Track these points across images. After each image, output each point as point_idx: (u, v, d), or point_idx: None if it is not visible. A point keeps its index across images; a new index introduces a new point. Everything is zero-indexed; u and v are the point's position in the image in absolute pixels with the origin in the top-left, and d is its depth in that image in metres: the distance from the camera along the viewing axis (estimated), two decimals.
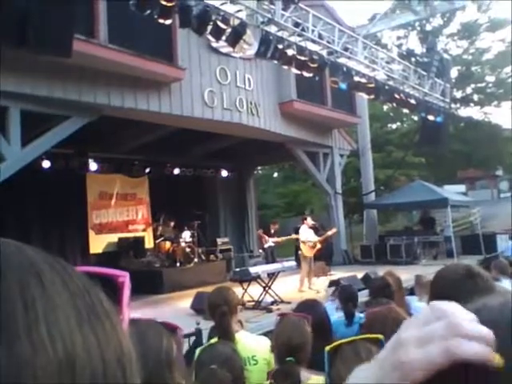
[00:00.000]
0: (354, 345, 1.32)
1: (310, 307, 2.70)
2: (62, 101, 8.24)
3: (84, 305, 0.31)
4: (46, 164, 10.86)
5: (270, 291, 8.58)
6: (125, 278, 0.47)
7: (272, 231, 12.48)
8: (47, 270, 0.31)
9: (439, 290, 1.56)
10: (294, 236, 11.63)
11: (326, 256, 12.45)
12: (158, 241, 12.40)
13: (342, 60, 11.05)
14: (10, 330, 0.27)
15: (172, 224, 12.39)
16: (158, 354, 1.05)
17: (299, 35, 9.88)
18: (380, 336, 1.39)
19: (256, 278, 8.46)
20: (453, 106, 21.40)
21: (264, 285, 8.58)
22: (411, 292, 5.99)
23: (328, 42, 10.62)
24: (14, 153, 7.76)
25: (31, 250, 0.32)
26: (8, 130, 7.74)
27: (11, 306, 0.28)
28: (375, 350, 1.30)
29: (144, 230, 13.46)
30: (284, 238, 12.03)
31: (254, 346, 2.49)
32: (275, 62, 10.01)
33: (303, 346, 2.01)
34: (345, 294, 3.95)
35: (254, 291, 8.45)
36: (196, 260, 12.12)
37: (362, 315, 3.37)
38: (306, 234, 10.21)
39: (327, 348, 1.32)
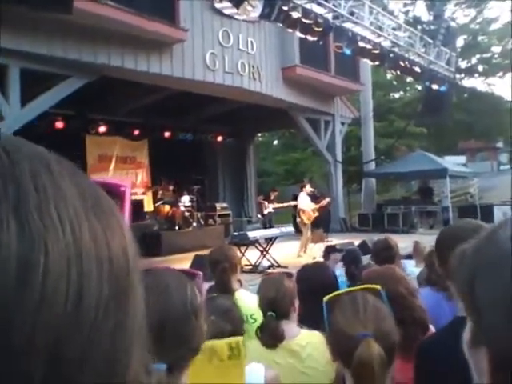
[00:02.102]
0: (352, 295, 1.35)
1: (319, 269, 2.74)
2: (62, 60, 8.12)
3: (90, 198, 0.33)
4: (46, 124, 10.79)
5: (267, 256, 8.70)
6: (126, 187, 0.49)
7: (272, 198, 12.55)
8: (56, 164, 0.32)
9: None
10: (293, 203, 11.70)
11: (323, 223, 12.55)
12: (157, 204, 12.46)
13: (347, 25, 10.85)
14: (22, 209, 0.28)
15: (171, 188, 12.42)
16: (184, 302, 1.06)
17: None
18: (377, 286, 1.42)
19: (254, 243, 8.56)
20: (457, 75, 21.11)
21: (262, 249, 8.69)
22: (407, 258, 6.09)
23: (334, 6, 10.40)
24: (14, 112, 7.71)
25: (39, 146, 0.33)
26: (7, 89, 7.67)
27: (23, 188, 0.29)
28: (372, 299, 1.34)
29: (143, 194, 13.50)
30: (284, 204, 12.09)
31: (253, 304, 2.54)
32: (279, 24, 9.83)
33: (282, 301, 2.03)
34: (349, 256, 4.02)
35: (252, 255, 8.56)
36: (195, 224, 12.21)
37: None
38: (305, 201, 10.26)
39: (325, 298, 1.36)
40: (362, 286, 1.49)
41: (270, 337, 1.96)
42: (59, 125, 11.16)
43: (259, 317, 2.56)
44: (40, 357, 0.27)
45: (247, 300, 2.55)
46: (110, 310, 0.31)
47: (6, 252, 0.27)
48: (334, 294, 1.38)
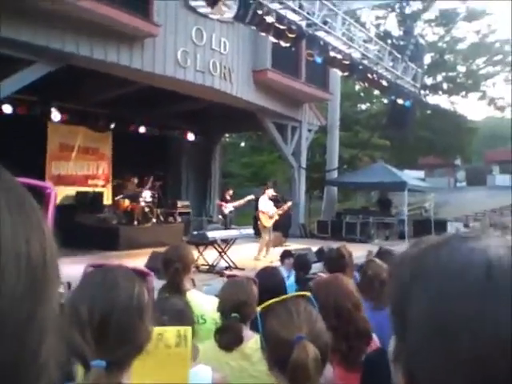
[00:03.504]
0: (285, 302, 1.39)
1: (270, 274, 2.79)
2: (28, 45, 7.90)
3: (14, 196, 0.36)
4: (8, 109, 10.48)
5: (225, 256, 8.72)
6: (51, 189, 0.53)
7: (228, 197, 12.54)
8: None
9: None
10: (249, 198, 11.75)
11: (283, 227, 12.67)
12: (117, 198, 12.25)
13: (320, 33, 11.00)
14: None
15: (133, 182, 12.23)
16: (129, 301, 1.06)
17: (279, 2, 9.75)
18: (307, 293, 1.47)
19: (213, 243, 8.56)
20: (422, 92, 21.75)
21: (220, 250, 8.70)
22: (360, 268, 6.23)
23: (308, 14, 10.53)
24: None
25: None
26: None
27: None
28: (303, 304, 1.38)
29: (103, 186, 13.27)
30: (241, 201, 12.10)
31: (203, 305, 2.57)
32: (253, 27, 9.87)
33: (248, 304, 2.08)
34: (299, 261, 4.09)
35: (210, 256, 8.56)
36: (154, 220, 12.08)
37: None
38: (265, 205, 10.32)
39: (259, 308, 1.40)
40: (293, 294, 1.55)
41: (231, 339, 1.99)
42: (22, 110, 10.83)
43: (209, 318, 2.58)
44: None
45: (198, 301, 2.56)
46: (25, 301, 0.34)
47: None
48: (267, 303, 1.41)
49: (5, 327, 0.32)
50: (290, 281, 3.87)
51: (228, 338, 2.00)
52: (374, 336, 2.13)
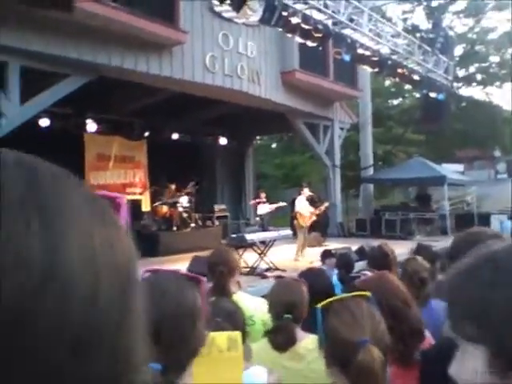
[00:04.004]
0: (346, 302, 1.38)
1: (316, 274, 2.75)
2: (61, 58, 8.12)
3: (97, 208, 0.35)
4: (45, 122, 10.77)
5: (264, 258, 8.69)
6: (121, 199, 0.52)
7: (262, 199, 12.54)
8: (65, 175, 0.36)
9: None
10: (281, 204, 11.80)
11: (321, 227, 12.57)
12: (155, 205, 12.43)
13: (346, 31, 10.89)
14: (44, 212, 0.31)
15: (170, 189, 12.39)
16: (182, 305, 1.07)
17: (305, 3, 9.70)
18: (368, 293, 1.43)
19: (252, 245, 8.55)
20: (455, 84, 21.21)
21: (259, 252, 8.68)
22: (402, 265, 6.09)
23: (333, 12, 10.43)
24: (13, 109, 7.69)
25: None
26: (7, 86, 7.66)
27: (44, 195, 0.32)
28: (365, 306, 1.36)
29: (141, 194, 13.47)
30: (274, 206, 12.10)
31: (251, 306, 2.54)
32: (279, 29, 9.85)
33: (299, 305, 2.06)
34: (342, 260, 4.02)
35: (249, 258, 8.55)
36: (193, 225, 12.19)
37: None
38: (302, 205, 10.27)
39: (319, 305, 1.38)
40: (354, 293, 1.52)
41: (285, 340, 1.98)
42: (58, 123, 11.14)
43: (258, 319, 2.56)
44: (64, 352, 0.29)
45: (247, 302, 2.54)
46: (117, 310, 0.33)
47: (29, 252, 0.29)
48: (327, 301, 1.39)
49: (102, 339, 0.32)
50: (333, 280, 3.82)
51: (282, 339, 1.98)
52: (427, 332, 2.07)
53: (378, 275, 2.15)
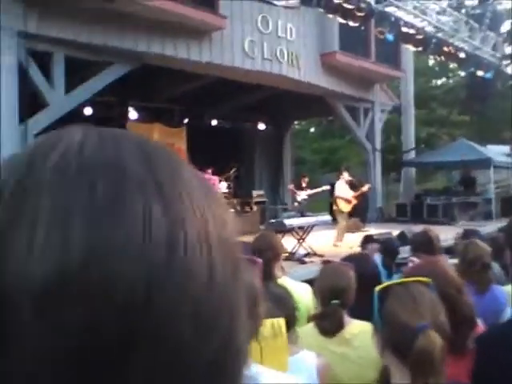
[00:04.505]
0: (405, 285, 1.34)
1: (361, 260, 2.72)
2: (104, 47, 8.27)
3: (205, 188, 0.36)
4: (88, 111, 11.04)
5: (303, 244, 8.67)
6: (215, 180, 0.54)
7: (303, 185, 12.43)
8: (175, 155, 0.37)
9: None
10: (324, 188, 11.58)
11: (360, 212, 12.39)
12: None
13: (390, 9, 10.58)
14: (163, 192, 0.32)
15: (210, 172, 12.49)
16: (249, 286, 1.07)
17: None
18: (428, 279, 1.39)
19: (290, 230, 8.54)
20: (504, 62, 20.28)
21: (298, 237, 8.67)
22: (447, 251, 5.96)
23: None
24: (58, 98, 7.91)
25: None
26: (52, 76, 7.87)
27: (160, 176, 0.32)
28: (426, 291, 1.32)
29: None
30: (317, 190, 11.97)
31: (296, 291, 2.55)
32: (320, 10, 9.67)
33: (347, 290, 2.06)
34: (386, 246, 3.96)
35: (288, 243, 8.54)
36: (232, 210, 12.25)
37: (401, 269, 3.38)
38: (342, 189, 10.12)
39: (377, 288, 1.35)
40: (413, 278, 1.47)
41: (332, 325, 1.98)
42: (101, 112, 11.40)
43: (303, 305, 2.57)
44: (185, 320, 0.30)
45: (291, 287, 2.55)
46: (231, 289, 0.34)
47: (156, 232, 0.30)
48: (386, 284, 1.36)
49: (219, 317, 0.32)
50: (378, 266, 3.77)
51: (329, 324, 1.98)
52: (479, 320, 2.02)
53: (431, 261, 2.10)
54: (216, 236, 0.33)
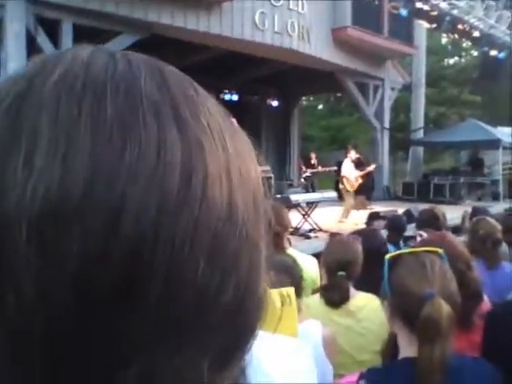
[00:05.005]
0: (416, 254, 1.35)
1: (370, 235, 2.73)
2: (113, 16, 8.16)
3: (227, 118, 0.34)
4: None
5: (308, 219, 8.69)
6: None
7: (312, 162, 12.39)
8: (197, 84, 0.35)
9: None
10: (332, 168, 11.54)
11: (366, 190, 12.35)
12: None
13: None
14: (179, 116, 0.29)
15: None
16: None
17: None
18: (439, 249, 1.39)
19: (296, 206, 8.55)
20: None
21: (303, 213, 8.68)
22: (453, 231, 5.96)
23: None
24: None
25: None
26: (61, 44, 7.80)
27: (177, 100, 0.30)
28: (438, 260, 1.32)
29: None
30: (322, 169, 11.94)
31: (302, 263, 2.57)
32: None
33: (354, 263, 2.08)
34: (393, 223, 3.97)
35: (293, 219, 8.55)
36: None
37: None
38: (348, 169, 10.09)
39: (387, 256, 1.35)
40: (424, 248, 1.47)
41: (338, 296, 2.00)
42: None
43: (307, 276, 2.59)
44: (200, 254, 0.27)
45: (298, 259, 2.57)
46: (253, 229, 0.31)
47: (171, 155, 0.27)
48: (397, 252, 1.37)
49: (242, 245, 0.30)
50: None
51: (335, 296, 2.00)
52: (485, 297, 2.03)
53: (440, 235, 2.10)
54: (237, 169, 0.30)
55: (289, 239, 2.78)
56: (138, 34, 8.74)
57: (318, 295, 2.09)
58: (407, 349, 1.26)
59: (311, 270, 2.60)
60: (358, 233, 2.71)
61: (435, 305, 1.17)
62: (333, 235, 2.35)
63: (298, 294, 1.65)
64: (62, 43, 7.81)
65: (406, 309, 1.24)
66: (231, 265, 0.29)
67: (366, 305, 2.00)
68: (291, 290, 1.48)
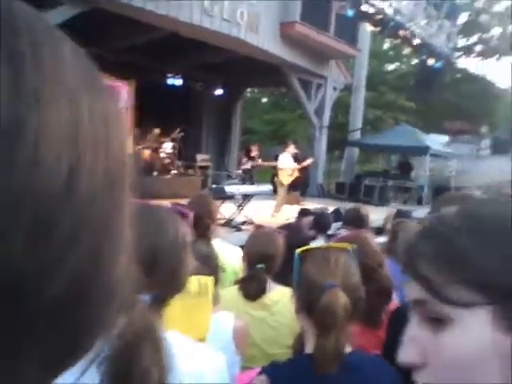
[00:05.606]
0: (325, 250, 1.40)
1: (294, 229, 2.78)
2: None
3: (92, 76, 0.29)
4: None
5: (242, 212, 8.73)
6: (121, 87, 0.45)
7: (252, 154, 12.44)
8: (56, 29, 0.29)
9: None
10: (273, 163, 11.64)
11: (301, 186, 12.60)
12: (137, 148, 12.24)
13: None
14: (17, 60, 0.23)
15: (156, 132, 12.18)
16: (177, 237, 1.05)
17: None
18: (348, 246, 1.45)
19: (230, 197, 8.56)
20: (454, 53, 21.00)
21: (237, 205, 8.71)
22: (377, 232, 6.20)
23: None
24: None
25: None
26: None
27: (20, 41, 0.24)
28: (343, 255, 1.37)
29: None
30: (264, 163, 12.03)
31: (225, 253, 2.57)
32: None
33: (274, 256, 2.09)
34: (319, 220, 4.07)
35: (227, 210, 8.57)
36: (174, 172, 12.10)
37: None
38: (286, 162, 10.21)
39: (298, 251, 1.39)
40: (334, 244, 1.53)
41: (255, 289, 2.00)
42: None
43: (229, 267, 2.59)
44: (20, 232, 0.23)
45: (220, 249, 2.56)
46: (102, 200, 0.26)
47: None
48: (306, 247, 1.41)
49: (81, 227, 0.25)
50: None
51: (253, 288, 2.01)
52: (394, 295, 2.11)
53: (356, 233, 2.18)
54: (89, 133, 0.25)
55: (214, 229, 2.76)
56: (78, 7, 8.33)
57: (236, 287, 2.09)
58: (311, 343, 1.28)
59: (234, 261, 2.60)
60: (283, 227, 2.74)
61: (333, 295, 1.22)
62: (256, 228, 2.37)
63: (215, 284, 1.64)
64: None
65: (308, 300, 1.28)
66: (62, 249, 0.24)
67: (281, 298, 2.03)
68: (210, 280, 1.47)
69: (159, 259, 1.01)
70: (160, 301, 1.03)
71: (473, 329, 0.51)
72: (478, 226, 0.52)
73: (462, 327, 0.51)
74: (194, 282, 1.43)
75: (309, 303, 1.27)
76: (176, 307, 1.33)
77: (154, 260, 1.00)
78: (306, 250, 1.40)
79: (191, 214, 1.20)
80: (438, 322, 0.53)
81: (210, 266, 1.65)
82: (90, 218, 0.25)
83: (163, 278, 1.01)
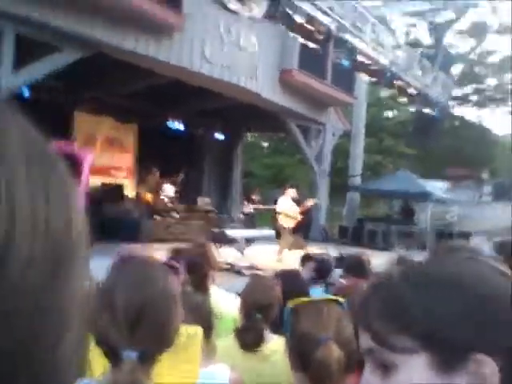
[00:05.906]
0: (316, 302, 1.40)
1: (291, 276, 2.73)
2: (59, 30, 7.94)
3: (39, 156, 0.27)
4: (35, 95, 10.57)
5: (244, 256, 8.63)
6: (85, 154, 0.45)
7: (254, 198, 12.44)
8: (5, 107, 0.27)
9: None
10: (273, 207, 11.61)
11: (303, 230, 12.50)
12: (139, 191, 12.28)
13: (348, 37, 10.89)
14: None
15: (157, 175, 12.24)
16: (165, 293, 1.06)
17: (311, 3, 9.67)
18: (340, 298, 1.45)
19: (232, 242, 8.49)
20: (450, 102, 21.42)
21: (239, 249, 8.62)
22: None
23: (338, 16, 10.42)
24: (5, 76, 7.52)
25: None
26: (1, 53, 7.48)
27: None
28: (335, 308, 1.38)
29: (125, 178, 13.32)
30: (263, 207, 12.01)
31: (222, 302, 2.49)
32: (282, 26, 9.80)
33: (271, 306, 2.05)
34: (320, 266, 4.00)
35: (229, 254, 8.47)
36: (176, 215, 12.06)
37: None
38: (285, 205, 10.09)
39: (290, 303, 1.39)
40: (325, 297, 1.56)
41: (253, 339, 1.95)
42: (47, 97, 10.91)
43: (226, 315, 2.50)
44: None
45: (218, 297, 2.48)
46: (41, 272, 0.26)
47: None
48: (297, 300, 1.41)
49: (16, 300, 0.25)
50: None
51: (250, 338, 1.95)
52: None
53: (354, 283, 2.13)
54: (28, 216, 0.25)
55: (213, 277, 2.69)
56: (83, 52, 8.55)
57: (232, 336, 2.01)
58: None
59: (233, 309, 2.51)
60: (279, 274, 2.69)
61: (328, 349, 1.21)
62: (253, 276, 2.31)
63: (208, 335, 1.57)
64: (4, 53, 7.50)
65: (301, 353, 1.27)
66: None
67: (279, 348, 1.95)
68: (199, 330, 1.41)
69: (147, 314, 0.99)
70: (148, 357, 1.00)
71: (415, 373, 0.56)
72: (421, 283, 0.59)
73: (405, 372, 0.57)
74: (183, 332, 1.38)
75: (303, 357, 1.26)
76: (162, 359, 1.27)
77: (141, 314, 0.98)
78: (298, 302, 1.40)
79: (181, 270, 1.21)
80: (386, 369, 0.59)
81: (201, 315, 1.59)
82: (26, 286, 0.25)
83: (151, 334, 0.99)
